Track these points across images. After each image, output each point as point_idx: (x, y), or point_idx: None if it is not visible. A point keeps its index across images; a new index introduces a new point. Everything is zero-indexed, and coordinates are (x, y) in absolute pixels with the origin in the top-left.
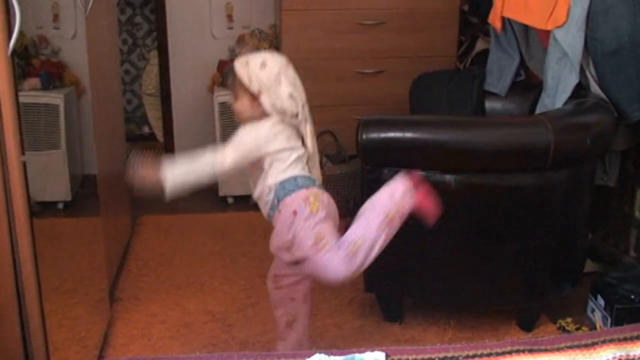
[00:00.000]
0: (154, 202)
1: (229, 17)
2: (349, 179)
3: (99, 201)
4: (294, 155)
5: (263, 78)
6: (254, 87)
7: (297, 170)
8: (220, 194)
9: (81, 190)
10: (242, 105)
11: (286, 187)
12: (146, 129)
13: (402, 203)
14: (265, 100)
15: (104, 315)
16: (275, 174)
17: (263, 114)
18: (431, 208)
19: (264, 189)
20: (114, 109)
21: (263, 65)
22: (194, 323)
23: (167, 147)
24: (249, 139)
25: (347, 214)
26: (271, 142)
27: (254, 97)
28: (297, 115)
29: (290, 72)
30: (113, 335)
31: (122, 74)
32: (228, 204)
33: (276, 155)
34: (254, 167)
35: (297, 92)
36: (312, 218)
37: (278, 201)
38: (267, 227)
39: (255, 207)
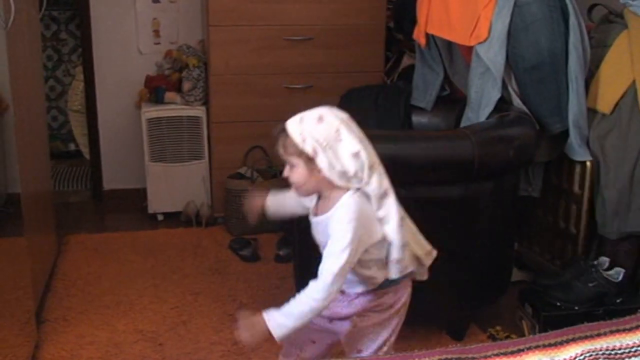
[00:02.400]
0: (80, 220)
1: (156, 33)
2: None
3: (23, 220)
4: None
5: (319, 134)
6: (308, 147)
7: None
8: (150, 211)
9: (4, 209)
10: (299, 174)
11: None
12: (72, 146)
13: None
14: (323, 161)
15: (31, 337)
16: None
17: (331, 185)
18: None
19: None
20: (38, 126)
21: (320, 119)
22: (123, 343)
23: (94, 164)
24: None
25: (280, 228)
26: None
27: (311, 161)
28: (361, 179)
29: (354, 127)
30: (41, 358)
31: (47, 90)
32: (158, 220)
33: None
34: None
35: (364, 151)
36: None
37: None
38: (197, 244)
39: (185, 223)
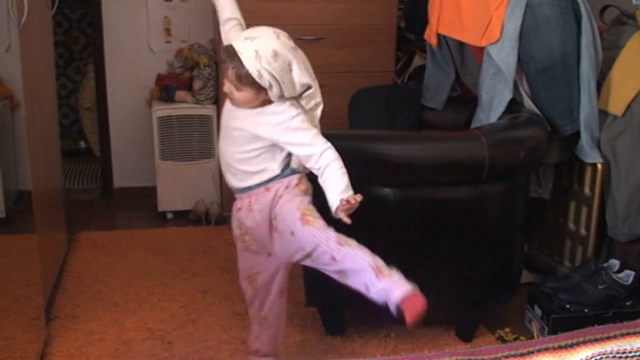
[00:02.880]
0: (90, 217)
1: (167, 31)
2: None
3: (34, 217)
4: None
5: (275, 71)
6: (265, 82)
7: (295, 164)
8: (160, 209)
9: (15, 206)
10: (245, 96)
11: (284, 173)
12: (83, 144)
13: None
14: (274, 91)
15: (40, 334)
16: (279, 161)
17: (266, 102)
18: (413, 315)
19: (255, 168)
20: (49, 123)
21: (275, 55)
22: (132, 341)
23: (104, 162)
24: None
25: None
26: None
27: (261, 89)
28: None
29: (300, 54)
30: (50, 355)
31: (58, 88)
32: (167, 219)
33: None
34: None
35: (310, 77)
36: (301, 196)
37: (267, 182)
38: (206, 243)
39: (194, 222)
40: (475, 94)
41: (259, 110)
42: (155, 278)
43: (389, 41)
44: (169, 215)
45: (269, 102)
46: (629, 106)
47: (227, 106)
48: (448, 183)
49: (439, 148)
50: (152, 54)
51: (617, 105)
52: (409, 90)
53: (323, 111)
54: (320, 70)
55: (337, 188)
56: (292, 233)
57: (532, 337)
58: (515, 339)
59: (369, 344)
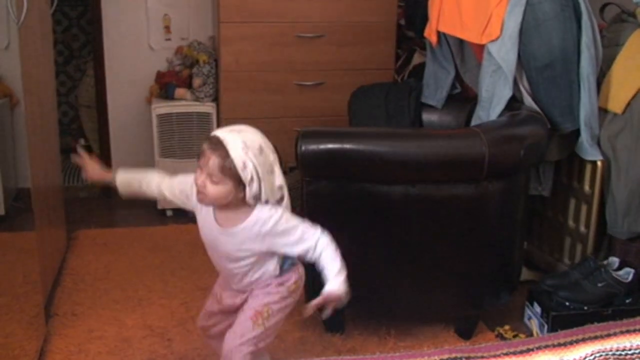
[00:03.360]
0: (89, 215)
1: (167, 29)
2: (289, 191)
3: (34, 215)
4: None
5: (259, 165)
6: (247, 175)
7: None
8: (159, 207)
9: (15, 204)
10: (219, 191)
11: (284, 268)
12: (82, 141)
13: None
14: (253, 189)
15: (40, 332)
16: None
17: (240, 202)
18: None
19: (258, 269)
20: (48, 120)
21: (261, 150)
22: (132, 338)
23: (103, 160)
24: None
25: None
26: None
27: (240, 184)
28: (274, 200)
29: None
30: (49, 352)
31: (57, 85)
32: (167, 216)
33: None
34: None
35: (284, 182)
36: (281, 295)
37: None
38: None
39: (194, 220)
40: (475, 92)
41: (241, 226)
42: (155, 275)
43: (388, 39)
44: (169, 213)
45: (240, 203)
46: (628, 104)
47: (202, 221)
48: (448, 181)
49: (438, 146)
50: (152, 51)
51: (617, 103)
52: (409, 88)
53: (323, 108)
54: (320, 67)
55: (333, 271)
56: (241, 315)
57: (531, 335)
58: (514, 337)
59: (368, 342)
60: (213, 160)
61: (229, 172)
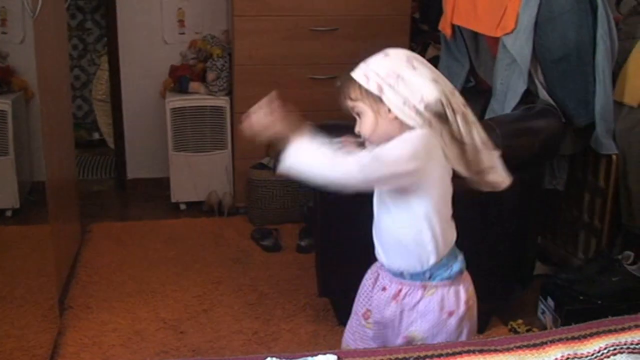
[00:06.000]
0: (103, 208)
1: (181, 23)
2: (303, 184)
3: (48, 208)
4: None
5: (383, 69)
6: (373, 86)
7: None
8: (173, 200)
9: (30, 197)
10: (366, 122)
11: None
12: (97, 135)
13: None
14: (391, 99)
15: (54, 324)
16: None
17: (401, 126)
18: None
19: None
20: (63, 114)
21: (385, 55)
22: (145, 330)
23: (118, 153)
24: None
25: (301, 219)
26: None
27: (377, 102)
28: (445, 114)
29: (421, 59)
30: (63, 344)
31: (72, 79)
32: (180, 210)
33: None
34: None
35: (439, 77)
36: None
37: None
38: (219, 234)
39: (207, 213)
40: (490, 85)
41: None
42: (168, 269)
43: (403, 32)
44: (182, 206)
45: (396, 121)
46: None
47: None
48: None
49: None
50: (166, 45)
51: (632, 96)
52: None
53: (337, 101)
54: (333, 61)
55: (305, 140)
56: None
57: (544, 329)
58: (527, 331)
59: None
60: (344, 97)
61: (358, 93)
